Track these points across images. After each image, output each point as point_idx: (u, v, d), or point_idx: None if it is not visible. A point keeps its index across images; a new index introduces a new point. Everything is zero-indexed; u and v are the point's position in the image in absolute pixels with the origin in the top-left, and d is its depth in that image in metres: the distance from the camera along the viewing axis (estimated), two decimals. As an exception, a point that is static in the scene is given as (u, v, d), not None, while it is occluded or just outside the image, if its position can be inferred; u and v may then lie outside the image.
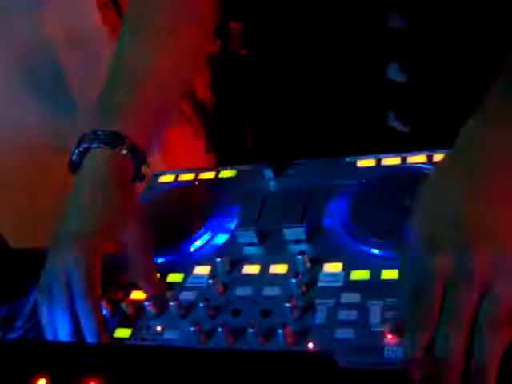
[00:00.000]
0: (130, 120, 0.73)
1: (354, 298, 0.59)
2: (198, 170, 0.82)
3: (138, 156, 0.71)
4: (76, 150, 0.71)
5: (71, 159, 0.71)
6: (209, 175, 0.81)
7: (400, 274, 0.56)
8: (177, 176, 0.83)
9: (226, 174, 0.80)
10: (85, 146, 0.70)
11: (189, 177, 0.82)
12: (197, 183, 0.80)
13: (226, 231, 0.71)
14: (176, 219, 0.75)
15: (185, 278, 0.67)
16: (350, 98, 0.85)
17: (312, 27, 0.82)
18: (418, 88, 0.80)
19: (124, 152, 0.70)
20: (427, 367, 0.49)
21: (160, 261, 0.70)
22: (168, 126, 0.79)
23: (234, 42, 0.93)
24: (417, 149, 0.72)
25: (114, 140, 0.70)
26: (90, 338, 0.61)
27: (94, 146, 0.70)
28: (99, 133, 0.70)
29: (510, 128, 0.54)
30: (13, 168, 1.35)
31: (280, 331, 0.56)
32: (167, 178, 0.83)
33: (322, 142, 0.87)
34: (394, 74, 0.80)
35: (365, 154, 0.75)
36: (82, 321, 0.61)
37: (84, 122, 0.74)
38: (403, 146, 0.74)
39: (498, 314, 0.48)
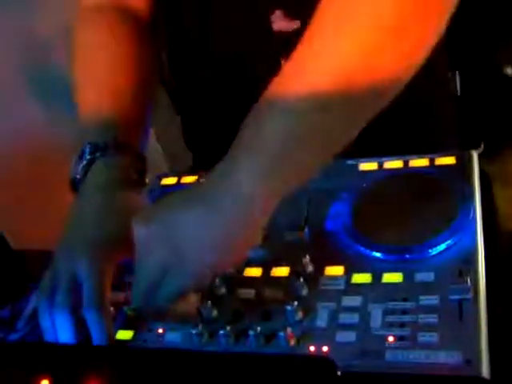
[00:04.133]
0: (123, 126, 0.73)
1: (355, 301, 0.59)
2: (200, 172, 0.82)
3: (142, 162, 0.72)
4: (80, 165, 0.69)
5: (74, 176, 0.70)
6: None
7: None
8: (179, 178, 0.83)
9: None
10: (88, 157, 0.69)
11: (191, 179, 0.81)
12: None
13: (227, 234, 0.71)
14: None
15: (186, 280, 0.67)
16: None
17: None
18: None
19: (129, 159, 0.70)
20: None
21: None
22: (148, 125, 0.79)
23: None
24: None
25: (117, 148, 0.70)
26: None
27: (98, 155, 0.69)
28: (99, 143, 0.70)
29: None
30: (13, 168, 1.35)
31: (281, 334, 0.56)
32: (169, 181, 0.83)
33: None
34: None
35: None
36: (92, 330, 0.61)
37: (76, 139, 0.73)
38: None
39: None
